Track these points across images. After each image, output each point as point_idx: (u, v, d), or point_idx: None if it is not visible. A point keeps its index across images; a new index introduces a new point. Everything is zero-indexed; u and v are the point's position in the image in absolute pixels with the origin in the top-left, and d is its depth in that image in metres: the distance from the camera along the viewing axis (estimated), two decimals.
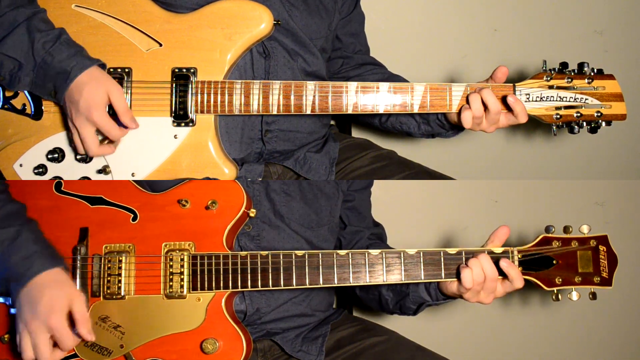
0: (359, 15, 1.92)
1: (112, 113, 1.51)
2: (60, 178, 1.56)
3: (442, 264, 1.46)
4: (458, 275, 1.44)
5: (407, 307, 1.63)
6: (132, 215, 1.48)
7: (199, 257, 1.46)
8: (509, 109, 1.56)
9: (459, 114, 1.58)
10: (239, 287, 1.45)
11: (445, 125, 1.74)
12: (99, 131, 1.50)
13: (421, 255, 1.47)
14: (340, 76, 1.91)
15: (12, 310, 1.45)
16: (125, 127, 1.52)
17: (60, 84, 1.47)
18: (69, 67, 1.46)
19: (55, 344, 1.37)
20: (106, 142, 1.54)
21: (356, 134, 2.33)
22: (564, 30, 2.37)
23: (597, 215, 2.37)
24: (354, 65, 1.91)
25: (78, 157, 1.56)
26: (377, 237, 1.82)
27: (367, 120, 2.03)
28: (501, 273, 1.45)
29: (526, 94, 1.57)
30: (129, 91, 1.56)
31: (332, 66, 1.91)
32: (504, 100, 1.56)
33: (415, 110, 1.59)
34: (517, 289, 1.45)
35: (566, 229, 1.47)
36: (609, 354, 2.47)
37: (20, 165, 1.57)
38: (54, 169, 1.57)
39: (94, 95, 1.46)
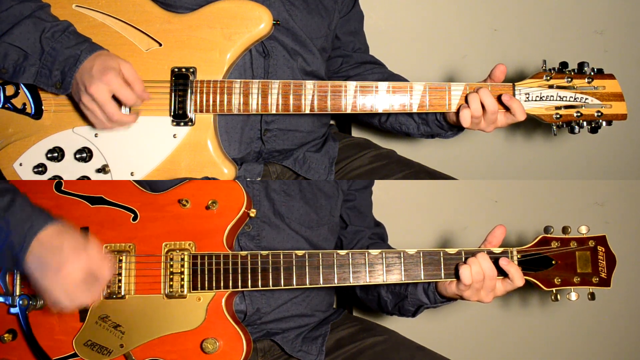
0: (357, 14, 1.92)
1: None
2: (60, 177, 1.56)
3: (442, 263, 1.47)
4: (457, 274, 1.44)
5: (405, 309, 1.63)
6: (133, 215, 1.48)
7: (199, 257, 1.46)
8: (506, 108, 1.56)
9: (457, 113, 1.58)
10: (239, 287, 1.45)
11: (444, 126, 1.74)
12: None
13: (421, 255, 1.47)
14: (340, 75, 1.91)
15: (12, 310, 1.45)
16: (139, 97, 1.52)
17: (69, 68, 1.47)
18: (79, 50, 1.47)
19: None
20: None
21: (356, 133, 2.34)
22: (564, 30, 2.37)
23: (597, 215, 2.37)
24: (354, 64, 1.91)
25: (77, 156, 1.57)
26: (378, 237, 1.82)
27: (367, 120, 2.03)
28: (502, 272, 1.45)
29: (526, 94, 1.57)
30: None
31: (332, 65, 1.91)
32: (500, 99, 1.56)
33: (415, 110, 1.59)
34: (517, 288, 1.46)
35: (565, 230, 1.48)
36: (608, 354, 2.47)
37: (20, 165, 1.57)
38: (53, 168, 1.57)
39: (108, 62, 1.47)
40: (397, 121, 1.86)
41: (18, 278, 1.47)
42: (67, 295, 1.33)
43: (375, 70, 1.90)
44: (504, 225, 1.50)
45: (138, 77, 1.50)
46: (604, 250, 1.46)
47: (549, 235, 1.48)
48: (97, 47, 1.51)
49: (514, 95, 1.57)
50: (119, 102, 1.49)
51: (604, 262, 1.46)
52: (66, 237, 1.34)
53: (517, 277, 1.44)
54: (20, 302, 1.43)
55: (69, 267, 1.32)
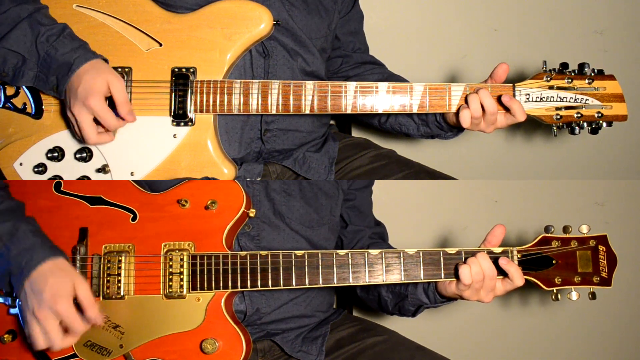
0: (357, 14, 1.92)
1: (114, 107, 1.51)
2: (60, 177, 1.56)
3: (442, 263, 1.46)
4: (456, 274, 1.44)
5: (405, 309, 1.63)
6: (132, 215, 1.48)
7: (198, 257, 1.46)
8: (507, 108, 1.56)
9: (457, 114, 1.57)
10: (239, 287, 1.45)
11: (444, 127, 1.73)
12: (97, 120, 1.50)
13: (421, 255, 1.47)
14: (340, 75, 1.91)
15: (12, 310, 1.45)
16: (123, 120, 1.52)
17: (63, 75, 1.47)
18: (72, 58, 1.47)
19: (66, 331, 1.37)
20: (105, 131, 1.53)
21: (356, 133, 2.34)
22: (564, 30, 2.37)
23: (597, 215, 2.37)
24: (353, 64, 1.91)
25: (78, 156, 1.57)
26: (378, 237, 1.82)
27: (367, 121, 2.03)
28: (502, 272, 1.45)
29: (526, 94, 1.57)
30: (129, 90, 1.56)
31: (332, 65, 1.91)
32: (500, 100, 1.56)
33: (415, 111, 1.58)
34: (518, 288, 1.45)
35: (566, 229, 1.47)
36: (608, 354, 2.47)
37: (20, 164, 1.57)
38: (53, 168, 1.57)
39: (93, 83, 1.46)
40: (397, 122, 1.86)
41: None
42: (41, 337, 1.35)
43: (375, 71, 1.90)
44: (504, 225, 1.50)
45: (126, 98, 1.50)
46: (605, 250, 1.46)
47: (549, 235, 1.48)
48: (90, 55, 1.50)
49: (514, 96, 1.57)
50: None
51: (605, 262, 1.46)
52: (51, 279, 1.36)
53: (517, 277, 1.43)
54: (20, 308, 1.42)
55: (42, 313, 1.34)
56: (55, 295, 1.34)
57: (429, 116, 1.76)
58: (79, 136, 1.51)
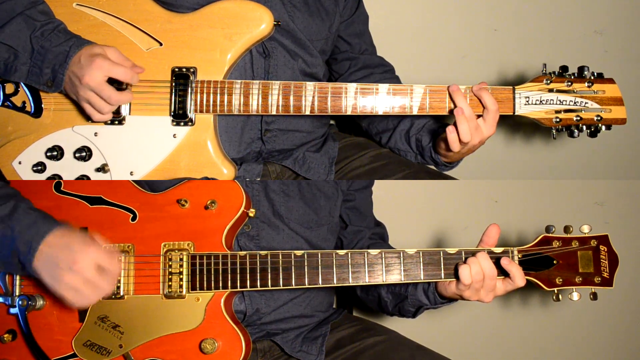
0: (362, 15, 1.91)
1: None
2: (59, 176, 1.56)
3: (442, 263, 1.46)
4: (456, 274, 1.43)
5: (405, 310, 1.63)
6: (132, 215, 1.48)
7: (198, 257, 1.46)
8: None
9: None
10: (238, 287, 1.45)
11: (439, 162, 1.79)
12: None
13: (420, 255, 1.46)
14: (345, 79, 1.90)
15: (12, 310, 1.45)
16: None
17: (60, 65, 1.47)
18: (68, 47, 1.48)
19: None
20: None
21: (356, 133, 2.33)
22: (564, 31, 2.37)
23: (597, 215, 2.37)
24: (361, 66, 1.90)
25: (77, 155, 1.56)
26: (378, 237, 1.82)
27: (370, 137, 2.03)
28: (501, 272, 1.44)
29: (525, 97, 1.57)
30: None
31: (340, 69, 1.90)
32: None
33: (415, 112, 1.58)
34: (518, 288, 1.45)
35: (567, 229, 1.47)
36: (609, 354, 2.47)
37: (19, 163, 1.57)
38: (52, 167, 1.57)
39: (92, 50, 1.48)
40: (395, 147, 1.88)
41: (17, 278, 1.47)
42: (78, 293, 1.35)
43: (386, 77, 1.90)
44: (503, 224, 1.49)
45: (124, 57, 1.51)
46: (606, 250, 1.46)
47: (550, 235, 1.47)
48: (85, 41, 1.50)
49: (513, 98, 1.57)
50: (113, 85, 1.50)
51: (606, 262, 1.45)
52: (73, 235, 1.36)
53: (519, 277, 1.43)
54: (20, 302, 1.42)
55: (81, 263, 1.33)
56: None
57: (425, 152, 1.79)
58: (98, 107, 1.49)
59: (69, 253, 1.34)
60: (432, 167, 1.94)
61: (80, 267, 1.33)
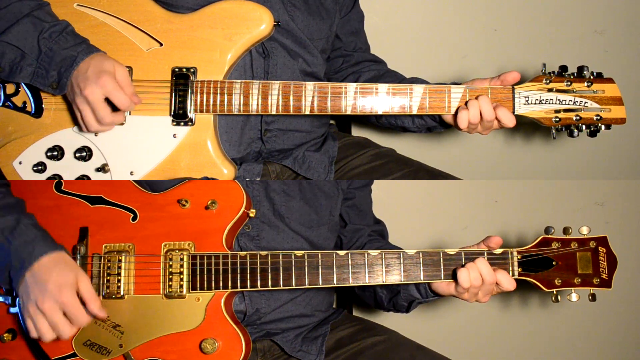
0: (357, 14, 1.92)
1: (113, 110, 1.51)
2: (60, 176, 1.56)
3: (442, 264, 1.47)
4: (454, 276, 1.44)
5: (399, 305, 1.63)
6: (132, 215, 1.48)
7: (198, 257, 1.46)
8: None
9: (455, 115, 1.57)
10: (239, 287, 1.45)
11: (438, 123, 1.74)
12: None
13: (420, 255, 1.47)
14: (340, 75, 1.91)
15: (12, 310, 1.45)
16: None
17: (66, 69, 1.47)
18: (76, 52, 1.48)
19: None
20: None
21: (356, 132, 2.33)
22: (564, 30, 2.37)
23: (597, 216, 2.36)
24: (354, 63, 1.91)
25: (77, 155, 1.57)
26: (378, 234, 1.82)
27: (365, 117, 2.02)
28: None
29: (525, 97, 1.57)
30: None
31: (333, 65, 1.91)
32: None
33: (414, 112, 1.59)
34: (517, 288, 1.45)
35: (566, 230, 1.48)
36: (608, 355, 2.47)
37: (20, 163, 1.57)
38: (53, 167, 1.57)
39: (103, 64, 1.47)
40: (392, 115, 1.85)
41: None
42: (35, 327, 1.36)
43: (372, 68, 1.90)
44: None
45: (129, 81, 1.51)
46: (605, 251, 1.46)
47: (549, 236, 1.48)
48: (94, 48, 1.51)
49: (513, 97, 1.57)
50: (111, 106, 1.50)
51: (605, 263, 1.46)
52: (55, 271, 1.37)
53: (507, 283, 1.44)
54: (20, 301, 1.42)
55: (47, 304, 1.35)
56: (60, 286, 1.35)
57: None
58: (88, 123, 1.49)
59: (42, 289, 1.35)
60: (432, 166, 1.94)
61: (45, 308, 1.35)
